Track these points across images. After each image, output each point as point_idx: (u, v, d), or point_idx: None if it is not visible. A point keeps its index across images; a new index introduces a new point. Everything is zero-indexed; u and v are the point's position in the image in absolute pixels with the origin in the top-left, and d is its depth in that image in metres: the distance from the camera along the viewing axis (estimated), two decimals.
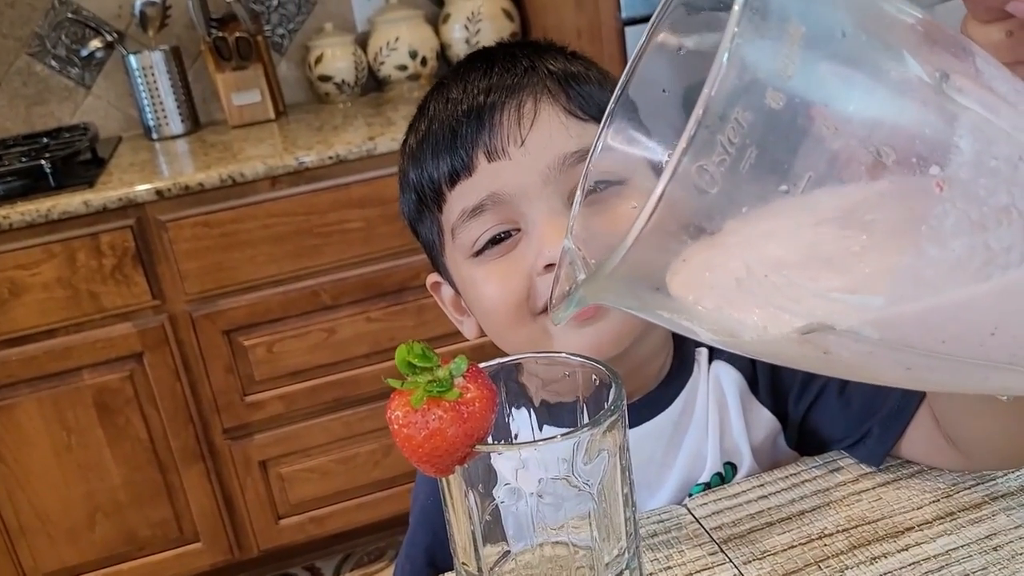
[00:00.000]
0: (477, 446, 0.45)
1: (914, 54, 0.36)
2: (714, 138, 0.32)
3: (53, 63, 2.28)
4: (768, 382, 0.79)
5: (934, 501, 0.67)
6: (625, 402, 0.48)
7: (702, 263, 0.36)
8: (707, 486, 0.77)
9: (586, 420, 0.53)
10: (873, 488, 0.70)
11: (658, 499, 0.77)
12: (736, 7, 0.32)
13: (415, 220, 0.79)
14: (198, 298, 1.92)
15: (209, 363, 1.96)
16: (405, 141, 0.79)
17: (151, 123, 2.24)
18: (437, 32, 2.35)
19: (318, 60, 2.30)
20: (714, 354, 0.80)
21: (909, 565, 0.61)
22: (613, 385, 0.48)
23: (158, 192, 1.83)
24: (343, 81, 2.31)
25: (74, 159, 2.03)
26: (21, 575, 1.98)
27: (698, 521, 0.69)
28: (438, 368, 0.45)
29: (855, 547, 0.64)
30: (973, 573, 0.60)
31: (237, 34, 2.19)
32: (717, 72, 0.32)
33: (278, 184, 1.89)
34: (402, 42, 2.28)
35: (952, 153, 0.34)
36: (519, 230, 0.71)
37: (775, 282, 0.35)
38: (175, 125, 2.24)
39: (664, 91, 0.49)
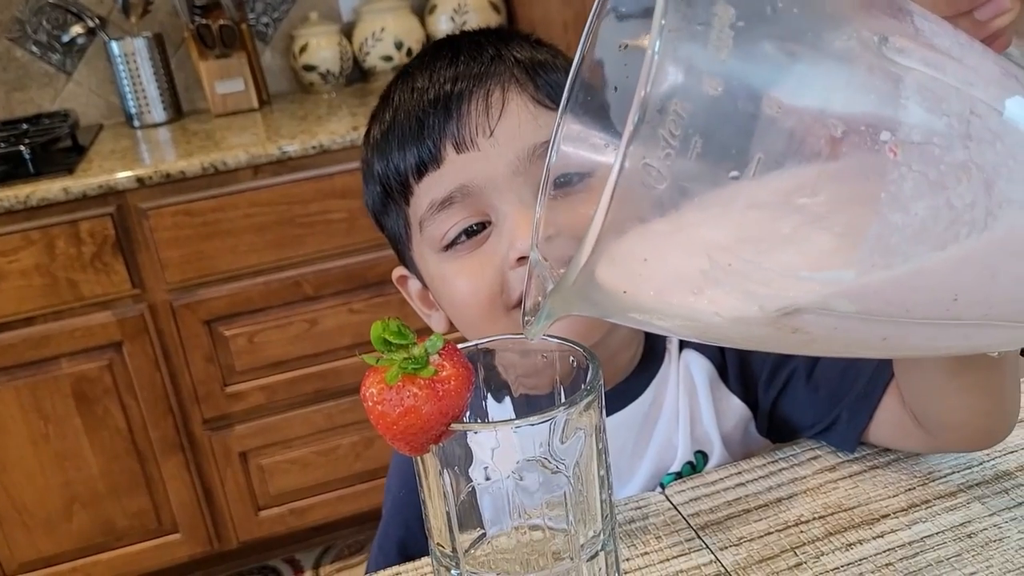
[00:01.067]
0: (453, 425, 0.45)
1: (850, 20, 0.35)
2: (656, 132, 0.32)
3: (34, 48, 2.26)
4: (737, 370, 0.79)
5: (909, 489, 0.67)
6: (602, 383, 0.48)
7: (664, 260, 0.35)
8: (678, 475, 0.77)
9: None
10: (849, 476, 0.70)
11: (629, 489, 0.77)
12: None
13: (380, 213, 0.78)
14: (179, 287, 1.90)
15: (189, 353, 1.95)
16: (368, 131, 0.77)
17: (133, 111, 2.22)
18: (423, 23, 2.34)
19: (303, 49, 2.29)
20: (684, 343, 0.80)
21: (884, 551, 0.61)
22: (590, 366, 0.48)
23: (139, 180, 1.81)
24: (328, 71, 2.30)
25: (54, 146, 2.01)
26: None
27: (675, 508, 0.69)
28: (414, 345, 0.45)
29: (831, 534, 0.64)
30: (947, 559, 0.60)
31: (221, 22, 2.17)
32: (649, 68, 0.31)
33: (261, 173, 1.88)
34: (388, 33, 2.28)
35: (901, 116, 0.34)
36: (490, 222, 0.69)
37: (740, 269, 0.35)
38: (157, 113, 2.23)
39: (615, 88, 0.48)
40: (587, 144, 0.51)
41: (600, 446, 0.50)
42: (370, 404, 0.44)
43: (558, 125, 0.49)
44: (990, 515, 0.63)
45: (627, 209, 0.33)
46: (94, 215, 1.81)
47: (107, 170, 1.84)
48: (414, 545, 0.82)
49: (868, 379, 0.72)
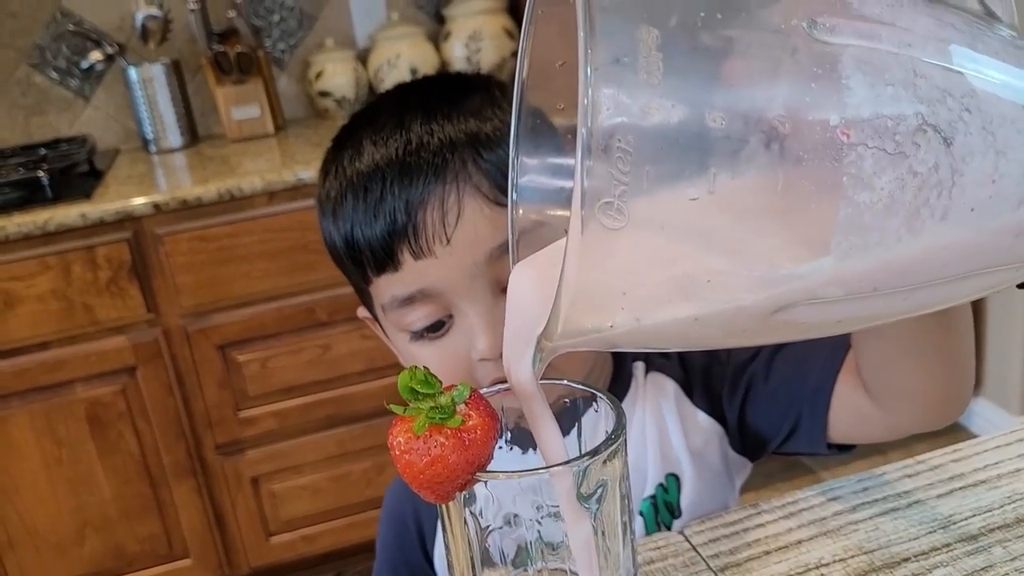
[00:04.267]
0: (478, 473, 0.45)
1: (774, 11, 0.35)
2: (605, 171, 0.32)
3: (53, 74, 2.28)
4: (701, 386, 0.81)
5: (930, 532, 0.67)
6: (626, 430, 0.48)
7: (643, 289, 0.36)
8: (652, 500, 0.78)
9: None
10: (870, 518, 0.69)
11: None
12: (581, 35, 0.32)
13: (336, 260, 0.77)
14: (193, 312, 1.91)
15: (203, 378, 1.95)
16: (323, 190, 0.75)
17: (149, 136, 2.24)
18: (438, 49, 2.36)
19: (318, 76, 2.31)
20: (650, 366, 0.82)
21: None
22: (614, 411, 0.48)
23: (155, 205, 1.82)
24: (343, 97, 2.31)
25: (72, 171, 2.03)
26: None
27: (695, 549, 0.69)
28: (440, 395, 0.45)
29: None
30: None
31: (238, 48, 2.20)
32: (585, 111, 0.32)
33: (276, 199, 1.89)
34: (403, 59, 2.29)
35: (846, 96, 0.34)
36: (451, 316, 0.70)
37: (720, 283, 0.35)
38: (174, 138, 2.24)
39: (561, 107, 0.48)
40: (546, 173, 0.50)
41: (623, 492, 0.50)
42: (397, 453, 0.44)
43: (513, 167, 0.48)
44: (1011, 559, 0.63)
45: (595, 253, 0.33)
46: (110, 240, 1.83)
47: (124, 195, 1.85)
48: None
49: (819, 371, 0.73)
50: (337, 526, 2.12)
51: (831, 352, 0.74)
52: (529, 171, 0.49)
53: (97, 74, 2.30)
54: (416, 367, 0.45)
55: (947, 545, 0.65)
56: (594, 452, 0.46)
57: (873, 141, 0.34)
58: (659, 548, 0.70)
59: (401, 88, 0.78)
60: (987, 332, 2.41)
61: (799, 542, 0.68)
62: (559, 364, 0.51)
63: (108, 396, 1.91)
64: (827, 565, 0.65)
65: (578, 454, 0.47)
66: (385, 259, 0.69)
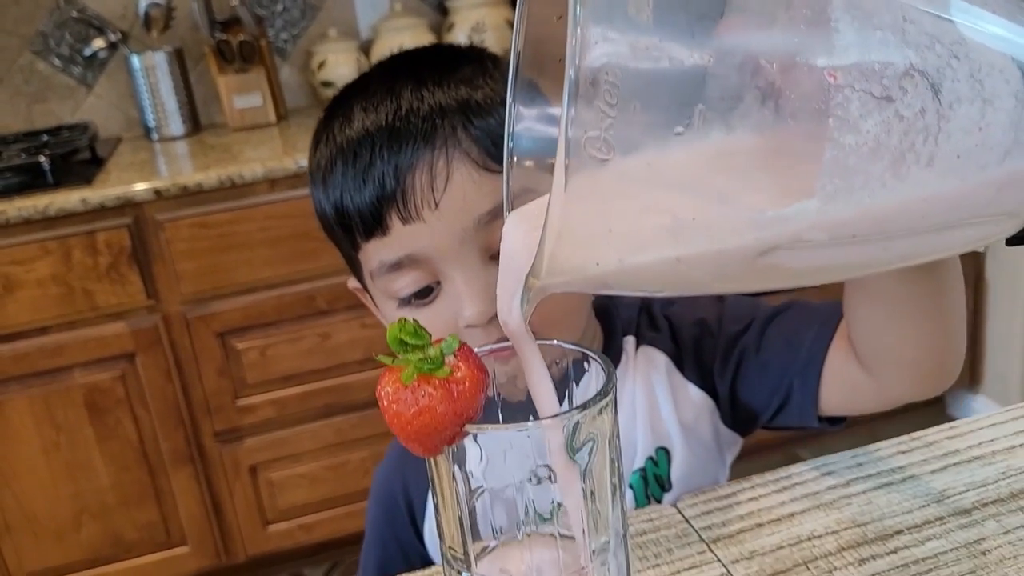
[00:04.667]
0: (467, 426, 0.45)
1: None
2: (593, 105, 0.32)
3: (56, 61, 2.29)
4: (693, 359, 0.81)
5: (924, 506, 0.67)
6: (616, 387, 0.48)
7: (629, 226, 0.36)
8: (643, 473, 0.78)
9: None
10: (864, 492, 0.69)
11: None
12: None
13: (326, 229, 0.77)
14: (193, 299, 1.91)
15: (202, 365, 1.95)
16: (314, 159, 0.75)
17: (152, 124, 2.24)
18: (441, 40, 2.36)
19: (321, 66, 2.31)
20: (640, 340, 0.82)
21: (898, 567, 0.61)
22: (605, 370, 0.48)
23: (156, 192, 1.83)
24: None
25: (73, 157, 2.03)
26: (5, 573, 1.96)
27: (688, 521, 0.69)
28: (429, 346, 0.45)
29: (844, 549, 0.63)
30: None
31: (241, 37, 2.20)
32: (574, 44, 0.32)
33: (277, 187, 1.89)
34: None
35: (834, 39, 0.34)
36: (439, 283, 0.70)
37: (705, 221, 0.35)
38: (175, 126, 2.25)
39: (560, 60, 0.48)
40: (541, 125, 0.50)
41: (612, 455, 0.49)
42: (385, 403, 0.44)
43: (509, 122, 0.48)
44: (1004, 533, 0.63)
45: (581, 187, 0.33)
46: (111, 226, 1.83)
47: (124, 181, 1.85)
48: (391, 566, 0.85)
49: (811, 343, 0.73)
50: (334, 515, 2.11)
51: (822, 324, 0.74)
52: (524, 120, 0.49)
53: (100, 62, 2.30)
54: (406, 319, 0.45)
55: (940, 519, 0.65)
56: (584, 406, 0.46)
57: (860, 84, 0.34)
58: (652, 520, 0.70)
59: (394, 58, 0.78)
60: (986, 329, 2.40)
61: (792, 515, 0.68)
62: (549, 335, 0.51)
63: (107, 382, 1.91)
64: (819, 537, 0.65)
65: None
66: (374, 224, 0.69)
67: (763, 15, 0.35)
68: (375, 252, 0.71)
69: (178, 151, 2.17)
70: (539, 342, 0.49)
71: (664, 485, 0.80)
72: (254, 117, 2.25)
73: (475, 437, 0.46)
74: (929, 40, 0.36)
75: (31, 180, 1.88)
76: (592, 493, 0.49)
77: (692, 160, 0.34)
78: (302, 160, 1.87)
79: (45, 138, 2.13)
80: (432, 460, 0.48)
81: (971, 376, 2.45)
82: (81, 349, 1.88)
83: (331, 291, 1.96)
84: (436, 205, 0.67)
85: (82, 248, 1.82)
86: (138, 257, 1.85)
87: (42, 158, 1.89)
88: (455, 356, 0.45)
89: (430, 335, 0.45)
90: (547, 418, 0.46)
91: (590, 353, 0.50)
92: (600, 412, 0.46)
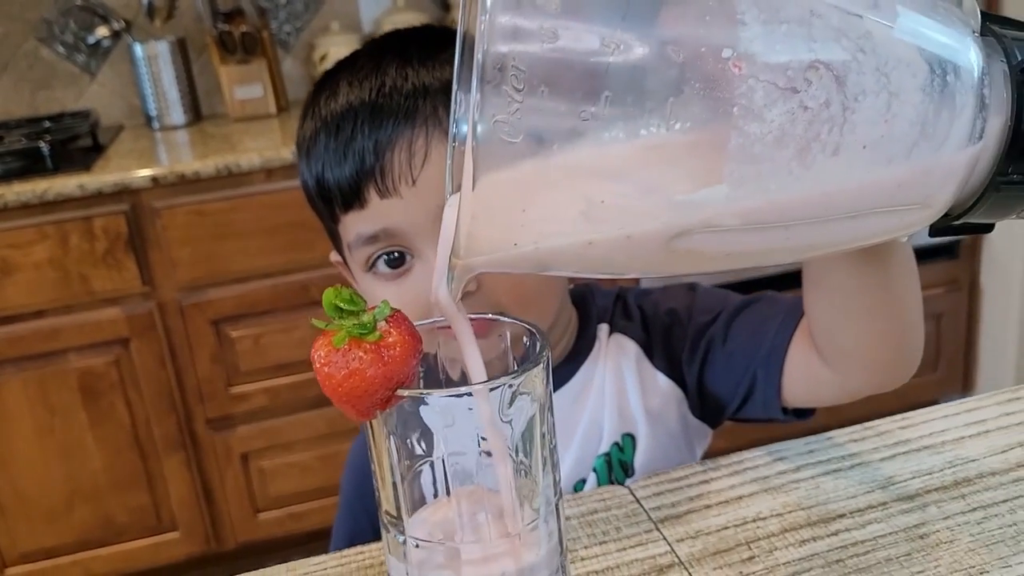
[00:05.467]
0: (399, 390, 0.46)
1: None
2: (500, 90, 0.33)
3: (60, 49, 2.31)
4: (662, 348, 0.82)
5: (869, 492, 0.68)
6: (550, 357, 0.49)
7: (543, 207, 0.37)
8: (607, 458, 0.79)
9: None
10: (811, 478, 0.70)
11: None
12: None
13: (311, 201, 0.79)
14: (188, 286, 1.93)
15: (195, 352, 1.97)
16: (300, 132, 0.78)
17: (153, 113, 2.27)
18: None
19: (323, 58, 2.33)
20: (613, 328, 0.84)
21: (836, 548, 0.62)
22: (538, 339, 0.49)
23: (153, 179, 1.85)
24: None
25: (73, 143, 2.05)
26: None
27: (638, 501, 0.70)
28: (363, 313, 0.46)
29: (786, 530, 0.64)
30: (897, 558, 0.60)
31: (243, 29, 2.22)
32: (482, 30, 0.33)
33: (273, 176, 1.91)
34: None
35: (740, 31, 0.35)
36: (411, 255, 0.72)
37: (616, 204, 0.36)
38: (177, 115, 2.27)
39: None
40: None
41: (545, 427, 0.51)
42: (317, 365, 0.45)
43: (453, 108, 0.49)
44: (944, 519, 0.64)
45: (491, 169, 0.34)
46: (108, 212, 1.85)
47: (123, 168, 1.87)
48: (361, 536, 0.85)
49: (774, 335, 0.75)
50: (325, 505, 2.13)
51: (786, 316, 0.75)
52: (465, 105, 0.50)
53: (103, 50, 2.32)
54: (341, 286, 0.46)
55: (883, 504, 0.66)
56: (515, 373, 0.47)
57: (765, 75, 0.36)
58: (603, 500, 0.71)
59: (385, 36, 0.80)
60: (980, 334, 2.41)
61: (740, 497, 0.69)
62: (520, 315, 0.52)
63: (101, 367, 1.93)
64: (764, 519, 0.66)
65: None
66: (352, 197, 0.71)
67: (673, 5, 0.36)
68: (353, 224, 0.73)
69: (178, 140, 2.19)
70: (478, 316, 0.51)
71: (628, 471, 0.81)
72: (255, 108, 2.26)
73: (407, 405, 0.47)
74: (836, 34, 0.37)
75: (31, 165, 1.90)
76: (523, 462, 0.50)
77: (600, 143, 0.36)
78: None
79: (47, 124, 2.16)
80: (368, 425, 0.49)
81: (965, 382, 2.45)
82: (76, 333, 1.90)
83: (325, 281, 1.95)
84: (413, 181, 0.69)
85: (79, 233, 1.84)
86: (134, 243, 1.88)
87: (42, 143, 1.91)
88: (387, 322, 0.46)
89: (365, 302, 0.46)
90: (476, 384, 0.47)
91: (526, 324, 0.52)
92: (530, 380, 0.48)
